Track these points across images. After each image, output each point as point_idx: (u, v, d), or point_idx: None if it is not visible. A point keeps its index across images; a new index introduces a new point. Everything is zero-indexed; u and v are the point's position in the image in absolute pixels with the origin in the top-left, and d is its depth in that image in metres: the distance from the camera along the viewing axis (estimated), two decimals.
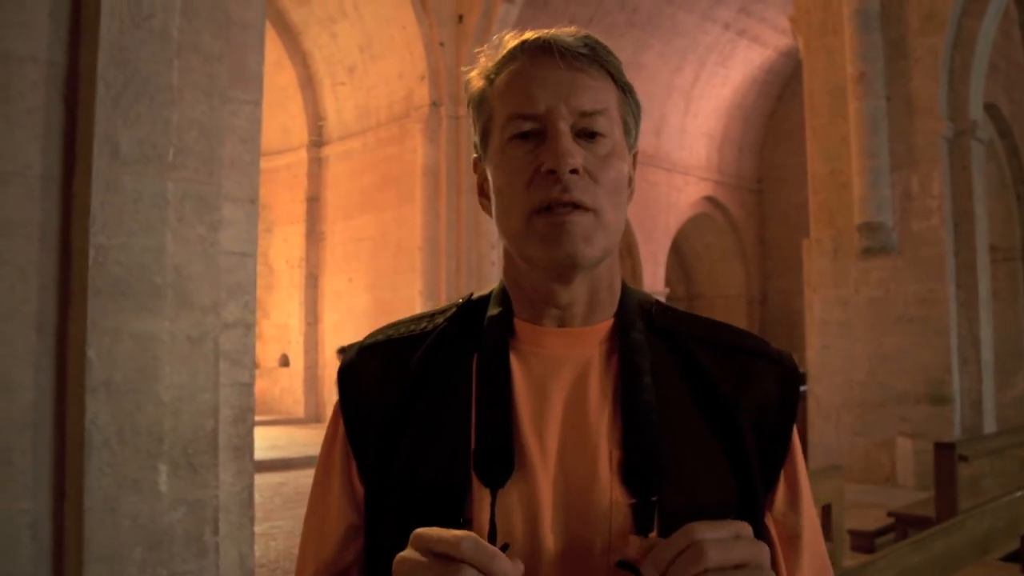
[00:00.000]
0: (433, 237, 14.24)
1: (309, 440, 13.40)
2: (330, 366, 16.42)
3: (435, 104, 14.36)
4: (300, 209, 17.19)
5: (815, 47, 11.13)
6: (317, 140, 17.18)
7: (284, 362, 17.27)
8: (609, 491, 0.89)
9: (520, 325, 0.99)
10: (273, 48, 15.20)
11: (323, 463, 1.04)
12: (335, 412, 1.03)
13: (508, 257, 1.01)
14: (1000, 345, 11.21)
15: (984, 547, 3.78)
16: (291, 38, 16.65)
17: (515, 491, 0.90)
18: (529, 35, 0.97)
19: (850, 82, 10.42)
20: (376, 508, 0.96)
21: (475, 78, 1.01)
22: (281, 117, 16.83)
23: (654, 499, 0.88)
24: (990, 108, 11.83)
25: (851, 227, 10.49)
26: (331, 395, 16.26)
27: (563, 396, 0.94)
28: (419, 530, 0.77)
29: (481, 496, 0.89)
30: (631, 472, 0.89)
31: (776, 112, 21.54)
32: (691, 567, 0.74)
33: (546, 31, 0.97)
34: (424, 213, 14.29)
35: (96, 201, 2.73)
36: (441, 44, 14.28)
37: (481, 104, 0.99)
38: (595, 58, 0.95)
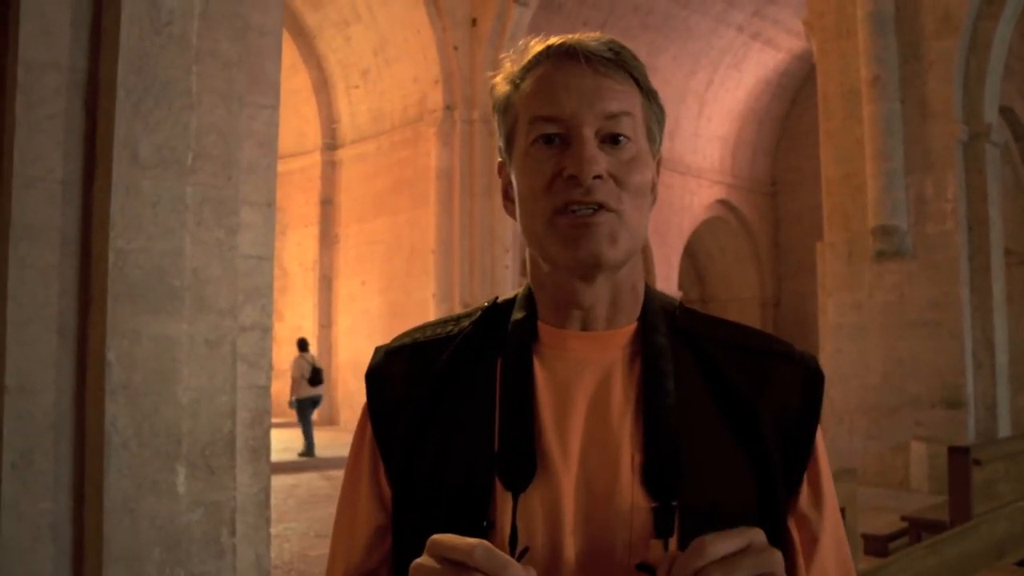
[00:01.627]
0: (447, 240, 14.27)
1: (322, 442, 13.44)
2: (343, 369, 16.46)
3: (449, 108, 14.40)
4: (314, 212, 17.26)
5: (829, 50, 11.11)
6: (331, 143, 17.25)
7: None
8: (631, 494, 0.90)
9: (544, 329, 0.99)
10: (287, 51, 15.27)
11: (352, 465, 1.05)
12: (363, 414, 1.05)
13: (533, 261, 1.01)
14: (1015, 349, 11.16)
15: (998, 552, 3.78)
16: (305, 41, 16.73)
17: (537, 494, 0.90)
18: (554, 40, 0.97)
19: (864, 85, 10.40)
20: (402, 509, 0.97)
21: (500, 83, 1.01)
22: (295, 120, 16.91)
23: (675, 503, 0.89)
24: (1005, 111, 11.78)
25: (865, 230, 10.46)
26: (345, 398, 16.31)
27: (586, 399, 0.94)
28: (434, 536, 0.78)
29: (504, 499, 0.90)
30: (652, 476, 0.90)
31: (790, 115, 21.50)
32: None
33: (571, 36, 0.97)
34: (438, 216, 14.33)
35: (116, 205, 2.76)
36: (455, 48, 14.32)
37: (506, 109, 0.99)
38: (620, 63, 0.95)
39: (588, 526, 0.90)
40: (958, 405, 9.93)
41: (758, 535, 0.78)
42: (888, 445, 10.26)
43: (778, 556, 0.78)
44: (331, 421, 16.49)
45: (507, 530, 0.88)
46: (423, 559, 0.78)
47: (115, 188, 2.76)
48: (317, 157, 17.28)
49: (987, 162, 10.33)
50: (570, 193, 0.91)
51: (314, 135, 17.37)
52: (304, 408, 12.76)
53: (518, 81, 0.98)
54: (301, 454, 12.56)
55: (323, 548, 7.08)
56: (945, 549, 3.30)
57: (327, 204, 17.20)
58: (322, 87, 17.15)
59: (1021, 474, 8.07)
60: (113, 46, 2.84)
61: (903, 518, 6.92)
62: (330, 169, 17.26)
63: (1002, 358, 10.35)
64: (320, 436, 14.03)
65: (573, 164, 0.91)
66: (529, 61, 0.98)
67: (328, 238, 17.17)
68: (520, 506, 0.89)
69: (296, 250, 17.50)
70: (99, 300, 2.78)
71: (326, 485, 10.71)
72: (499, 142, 1.03)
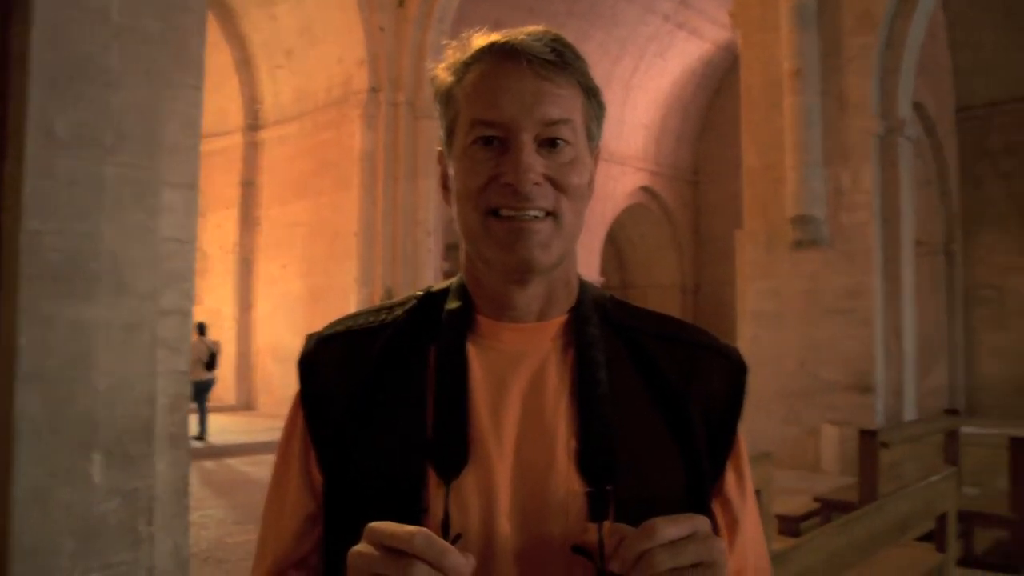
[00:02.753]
0: (369, 224, 14.14)
1: (240, 428, 13.25)
2: (263, 353, 16.22)
3: (374, 90, 14.23)
4: (234, 193, 16.90)
5: (753, 42, 11.31)
6: (253, 124, 16.90)
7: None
8: (566, 480, 0.92)
9: (479, 320, 1.01)
10: (209, 29, 14.92)
11: (282, 453, 1.05)
12: (295, 402, 1.04)
13: (468, 256, 1.02)
14: (921, 336, 11.58)
15: (902, 528, 3.92)
16: (228, 19, 16.33)
17: (471, 481, 0.92)
18: (497, 37, 0.97)
19: (786, 78, 10.62)
20: (334, 497, 0.97)
21: (443, 72, 1.01)
22: (216, 100, 16.50)
23: (610, 488, 0.91)
24: (917, 107, 12.17)
25: (784, 220, 10.71)
26: (263, 382, 16.06)
27: (521, 389, 0.97)
28: (372, 524, 0.79)
29: (437, 486, 0.91)
30: (587, 461, 0.92)
31: (714, 105, 21.83)
32: (641, 573, 0.77)
33: (514, 34, 0.97)
34: (361, 200, 14.18)
35: (29, 185, 2.66)
36: (381, 29, 14.16)
37: (448, 101, 1.00)
38: (562, 64, 0.96)
39: (524, 511, 0.92)
40: (868, 390, 10.28)
41: (704, 523, 0.81)
42: (802, 429, 10.56)
43: (721, 544, 0.81)
44: (249, 406, 16.24)
45: (440, 517, 0.89)
46: (361, 547, 0.79)
47: (28, 167, 2.66)
48: (239, 138, 16.92)
49: (900, 155, 10.67)
50: (506, 198, 0.93)
51: (236, 115, 16.99)
52: (200, 392, 12.47)
53: (460, 74, 0.99)
54: (195, 438, 12.29)
55: (242, 535, 6.99)
56: (854, 528, 3.41)
57: (248, 186, 16.87)
58: (245, 66, 16.77)
59: (924, 455, 8.41)
60: (25, 19, 2.72)
61: (816, 499, 7.13)
62: (252, 150, 16.91)
63: (909, 345, 10.73)
64: (238, 421, 13.84)
65: (511, 172, 0.92)
66: (472, 55, 0.98)
67: (249, 220, 16.85)
68: (454, 493, 0.91)
69: (215, 232, 17.12)
70: (9, 283, 2.68)
71: (244, 471, 10.56)
72: (440, 132, 1.03)
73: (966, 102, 15.28)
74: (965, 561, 5.43)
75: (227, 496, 8.88)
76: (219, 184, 16.92)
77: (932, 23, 11.76)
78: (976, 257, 15.36)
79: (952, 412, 8.97)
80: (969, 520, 6.11)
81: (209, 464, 10.83)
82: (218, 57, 15.99)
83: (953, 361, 15.06)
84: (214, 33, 15.73)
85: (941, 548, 4.55)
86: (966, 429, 8.84)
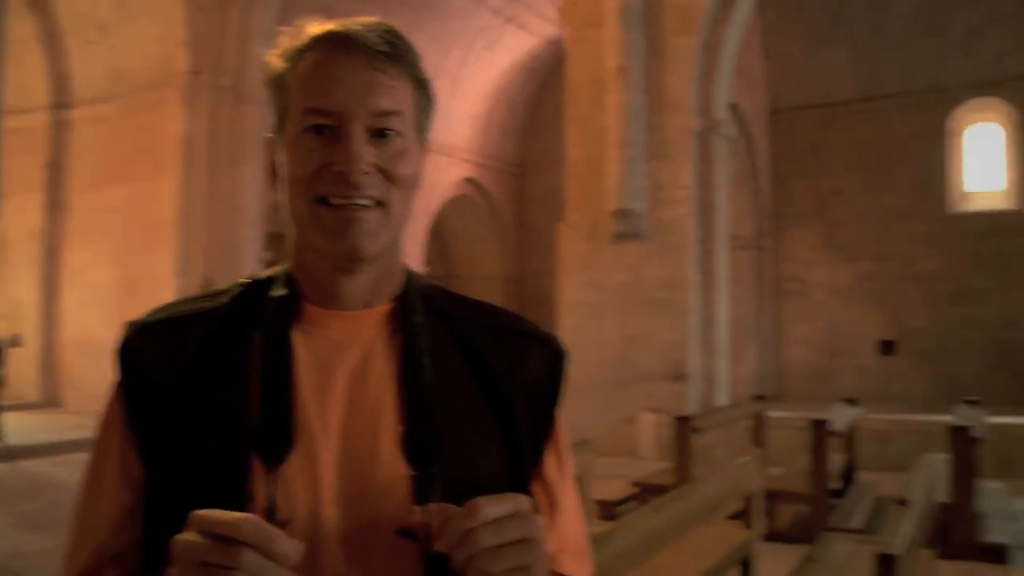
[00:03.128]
0: (188, 212, 13.56)
1: (44, 426, 12.42)
2: (69, 347, 15.26)
3: (195, 72, 13.63)
4: (39, 176, 15.76)
5: (580, 38, 11.60)
6: (62, 102, 15.80)
7: (15, 342, 15.81)
8: (392, 464, 0.94)
9: (306, 307, 1.02)
10: None
11: (98, 446, 1.02)
12: (113, 392, 1.01)
13: (298, 244, 1.03)
14: (734, 326, 12.25)
15: (713, 508, 4.16)
16: None
17: (297, 467, 0.93)
18: (332, 26, 0.98)
19: (610, 75, 10.95)
20: (157, 487, 0.96)
21: (275, 59, 1.02)
22: (19, 74, 15.32)
23: (435, 471, 0.94)
24: (734, 108, 12.84)
25: (605, 213, 11.04)
26: (69, 378, 15.11)
27: (347, 375, 0.98)
28: (198, 512, 0.77)
29: (262, 472, 0.92)
30: (413, 446, 0.95)
31: (540, 98, 22.15)
32: (465, 551, 0.80)
33: (350, 24, 0.98)
34: (180, 186, 13.57)
35: None
36: (203, 9, 13.57)
37: (281, 88, 1.01)
38: (395, 56, 0.98)
39: (350, 496, 0.93)
40: (683, 378, 10.77)
41: (525, 502, 0.85)
42: (621, 417, 10.94)
43: (541, 521, 0.86)
44: (54, 403, 15.23)
45: (265, 503, 0.89)
46: (187, 535, 0.77)
47: None
48: (44, 116, 15.77)
49: (717, 153, 11.25)
50: (336, 187, 0.95)
51: (41, 92, 15.82)
52: None
53: (294, 61, 1.00)
54: None
55: (42, 543, 6.53)
56: (668, 509, 3.58)
57: (55, 168, 15.76)
58: (51, 40, 15.63)
59: (734, 439, 8.93)
60: None
61: (633, 483, 7.41)
62: (60, 130, 15.80)
63: (722, 334, 11.33)
64: (41, 419, 13.00)
65: (341, 160, 0.94)
66: (306, 43, 0.99)
67: (55, 205, 15.76)
68: (279, 479, 0.91)
69: (16, 217, 15.87)
70: None
71: (45, 472, 9.89)
72: (271, 119, 1.04)
73: (777, 105, 16.23)
74: (770, 536, 5.79)
75: (24, 501, 8.26)
76: (21, 166, 15.69)
77: (749, 30, 12.44)
78: (784, 251, 16.34)
79: (760, 398, 9.53)
80: (774, 498, 6.52)
81: (4, 467, 10.07)
82: (21, 27, 14.85)
83: (763, 349, 15.99)
84: (14, 0, 14.62)
85: (748, 525, 4.85)
86: (773, 413, 9.46)
